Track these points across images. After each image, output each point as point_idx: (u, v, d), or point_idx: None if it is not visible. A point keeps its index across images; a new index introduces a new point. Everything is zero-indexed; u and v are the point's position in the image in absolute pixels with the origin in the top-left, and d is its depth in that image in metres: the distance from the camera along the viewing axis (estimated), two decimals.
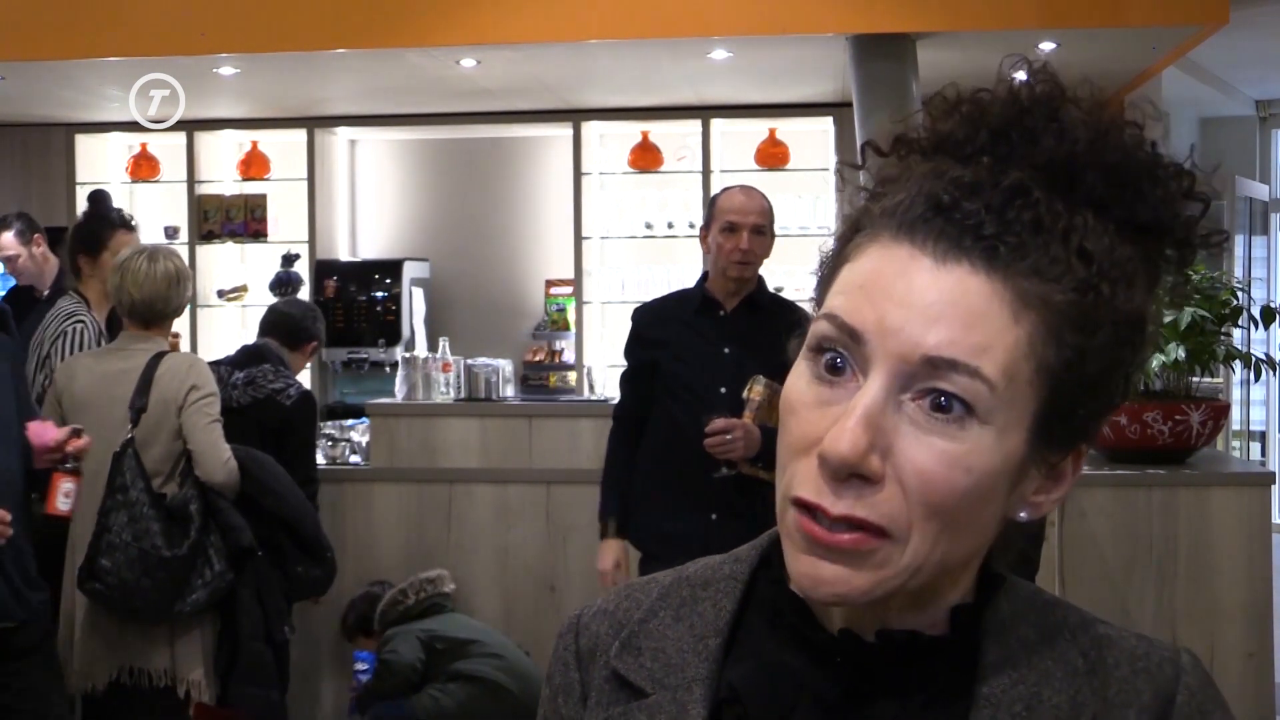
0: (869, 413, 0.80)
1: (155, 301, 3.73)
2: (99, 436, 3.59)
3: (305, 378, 7.45)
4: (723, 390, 3.59)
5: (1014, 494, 0.85)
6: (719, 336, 3.67)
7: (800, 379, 0.84)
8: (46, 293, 5.46)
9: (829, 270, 0.87)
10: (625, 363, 3.91)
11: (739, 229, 3.64)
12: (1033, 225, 0.82)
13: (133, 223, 4.45)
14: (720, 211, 3.69)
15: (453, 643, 4.60)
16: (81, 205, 7.58)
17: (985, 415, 0.80)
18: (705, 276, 3.82)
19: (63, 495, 3.34)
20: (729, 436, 3.44)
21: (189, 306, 7.34)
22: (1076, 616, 0.90)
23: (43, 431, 3.33)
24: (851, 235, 0.87)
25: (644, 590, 0.97)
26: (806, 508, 0.82)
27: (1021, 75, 0.87)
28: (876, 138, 0.91)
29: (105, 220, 4.40)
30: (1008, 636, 0.87)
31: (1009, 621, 0.88)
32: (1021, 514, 0.86)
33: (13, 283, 5.62)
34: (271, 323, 4.64)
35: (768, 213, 3.73)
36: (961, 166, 0.85)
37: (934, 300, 0.80)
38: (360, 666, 4.86)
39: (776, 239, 3.80)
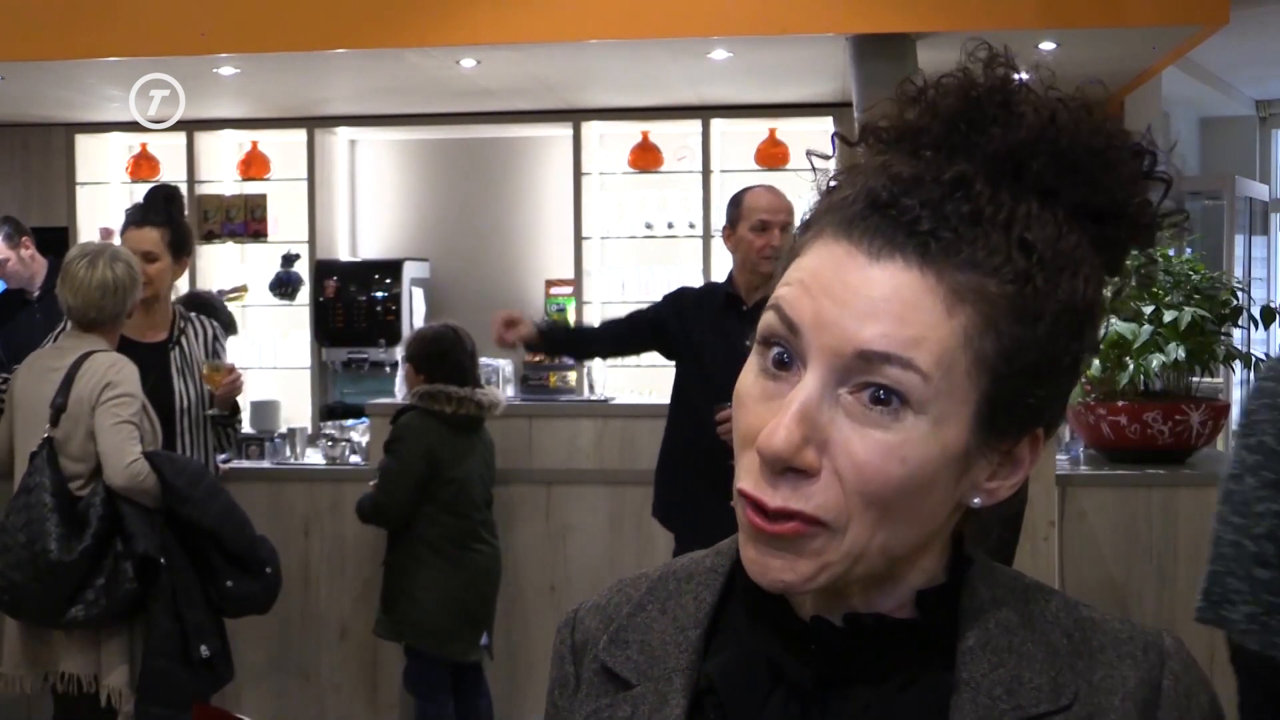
0: (804, 408, 0.81)
1: (88, 309, 3.64)
2: (29, 435, 3.60)
3: (306, 378, 7.48)
4: None
5: (964, 481, 0.86)
6: (741, 331, 3.67)
7: (749, 373, 0.86)
8: (36, 294, 5.46)
9: (784, 266, 0.88)
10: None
11: (770, 226, 3.87)
12: (971, 218, 0.82)
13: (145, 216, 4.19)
14: (750, 210, 3.91)
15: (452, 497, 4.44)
16: (81, 205, 7.64)
17: (920, 406, 0.81)
18: (731, 275, 4.01)
19: None
20: None
21: None
22: (1059, 600, 0.91)
23: None
24: (805, 231, 0.88)
25: (634, 585, 0.99)
26: (750, 500, 0.84)
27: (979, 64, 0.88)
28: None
29: (128, 213, 4.28)
30: (987, 620, 0.88)
31: (988, 606, 0.89)
32: (975, 500, 0.87)
33: (2, 285, 5.62)
34: None
35: (793, 211, 3.91)
36: (909, 161, 0.85)
37: (867, 296, 0.81)
38: None
39: None
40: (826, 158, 0.93)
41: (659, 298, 4.26)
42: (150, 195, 4.29)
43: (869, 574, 0.85)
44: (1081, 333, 0.85)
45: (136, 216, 4.16)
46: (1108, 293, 0.90)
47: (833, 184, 0.89)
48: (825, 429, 0.82)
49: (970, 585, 0.90)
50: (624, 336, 4.20)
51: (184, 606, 3.60)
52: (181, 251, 4.17)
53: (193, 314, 4.27)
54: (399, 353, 6.65)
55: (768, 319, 0.85)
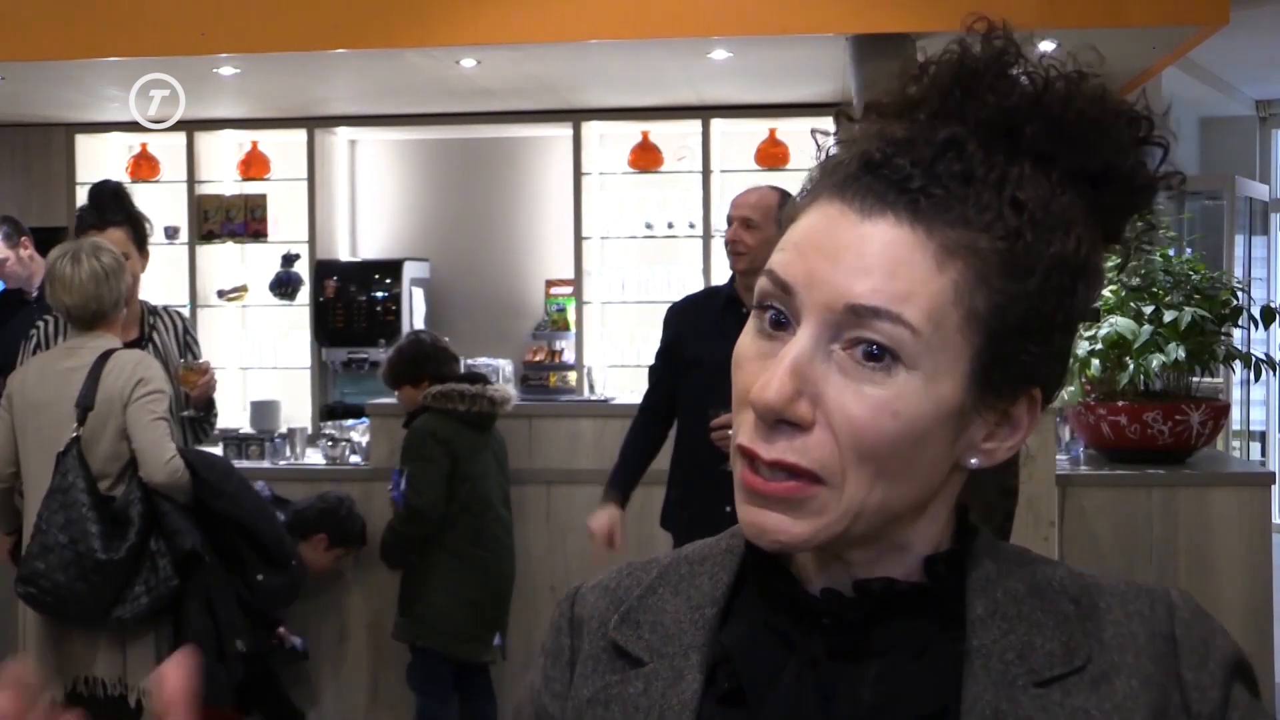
0: (796, 361, 0.83)
1: (89, 303, 3.60)
2: (49, 437, 3.55)
3: (306, 378, 7.49)
4: None
5: (960, 440, 0.86)
6: (739, 333, 3.65)
7: (746, 335, 0.88)
8: (35, 294, 5.46)
9: (781, 233, 0.90)
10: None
11: (731, 221, 3.84)
12: (962, 177, 0.83)
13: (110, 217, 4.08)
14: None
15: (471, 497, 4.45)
16: (81, 205, 7.63)
17: (911, 361, 0.82)
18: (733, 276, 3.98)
19: None
20: (730, 431, 3.43)
21: (189, 307, 7.37)
22: (1064, 569, 0.91)
23: None
24: (802, 198, 0.90)
25: (644, 569, 0.99)
26: (747, 456, 0.85)
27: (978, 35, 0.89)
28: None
29: (82, 218, 4.15)
30: (994, 590, 0.88)
31: (995, 576, 0.89)
32: (973, 460, 0.88)
33: (1, 285, 5.62)
34: None
35: (761, 207, 3.79)
36: (904, 125, 0.87)
37: (858, 252, 0.83)
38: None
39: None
40: (828, 134, 0.94)
41: (658, 299, 4.23)
42: (98, 194, 4.15)
43: (868, 533, 0.86)
44: (1074, 290, 0.86)
45: (94, 219, 4.03)
46: (1113, 262, 0.91)
47: (831, 153, 0.91)
48: (818, 383, 0.83)
49: (976, 555, 0.90)
50: (659, 406, 4.01)
51: (217, 603, 3.62)
52: (144, 246, 4.09)
53: (160, 308, 4.17)
54: None
55: (761, 284, 0.87)
